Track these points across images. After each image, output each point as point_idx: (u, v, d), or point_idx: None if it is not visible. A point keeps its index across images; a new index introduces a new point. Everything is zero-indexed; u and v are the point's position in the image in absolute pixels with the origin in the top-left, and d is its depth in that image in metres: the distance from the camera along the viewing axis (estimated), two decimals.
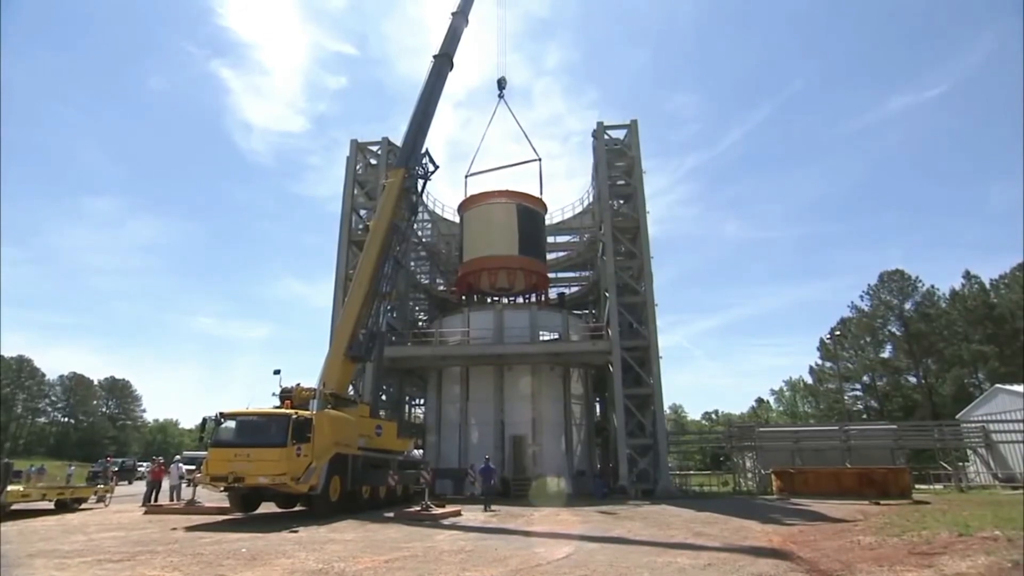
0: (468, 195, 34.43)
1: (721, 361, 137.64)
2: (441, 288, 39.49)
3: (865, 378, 57.50)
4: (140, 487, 22.41)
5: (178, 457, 23.32)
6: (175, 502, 18.20)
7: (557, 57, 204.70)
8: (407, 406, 36.41)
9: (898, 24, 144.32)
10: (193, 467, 19.29)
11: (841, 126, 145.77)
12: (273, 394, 16.67)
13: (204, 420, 15.08)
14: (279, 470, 13.65)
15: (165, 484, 20.18)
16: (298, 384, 16.91)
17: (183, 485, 19.67)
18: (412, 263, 36.23)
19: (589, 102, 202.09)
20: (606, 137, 31.03)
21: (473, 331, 28.90)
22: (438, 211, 39.15)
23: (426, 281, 38.41)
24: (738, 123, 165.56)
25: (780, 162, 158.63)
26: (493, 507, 18.04)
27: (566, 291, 38.29)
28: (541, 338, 28.97)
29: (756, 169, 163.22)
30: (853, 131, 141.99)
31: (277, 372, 16.73)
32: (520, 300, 33.66)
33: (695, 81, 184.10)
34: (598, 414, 35.05)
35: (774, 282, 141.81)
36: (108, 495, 19.97)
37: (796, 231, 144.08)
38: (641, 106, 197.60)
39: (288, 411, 14.81)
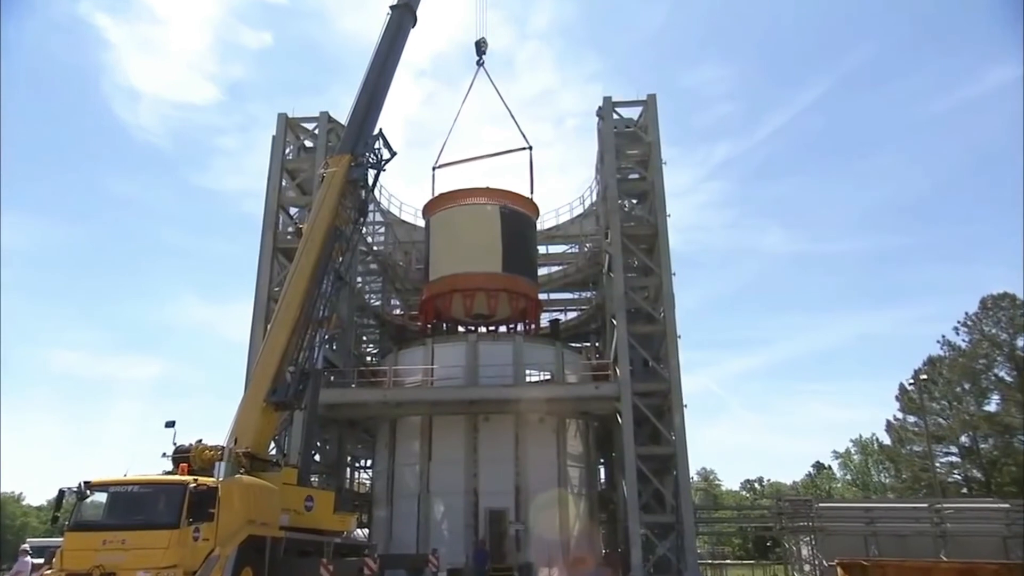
0: (436, 193, 34.50)
1: (765, 413, 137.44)
2: (398, 313, 39.51)
3: (964, 439, 56.60)
4: None
5: (26, 546, 22.27)
6: None
7: (549, 16, 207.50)
8: (349, 469, 36.01)
9: None
10: (42, 560, 18.45)
11: (921, 107, 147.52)
12: (164, 455, 16.36)
13: (61, 493, 14.52)
14: (168, 561, 13.15)
15: None
16: (199, 441, 16.59)
17: None
18: (359, 279, 36.20)
19: (590, 74, 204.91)
20: (615, 117, 31.43)
21: (439, 369, 28.80)
22: (394, 212, 39.30)
23: (377, 303, 38.47)
24: (784, 103, 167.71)
25: (840, 154, 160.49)
26: None
27: (561, 317, 38.43)
28: (528, 379, 28.90)
29: (808, 163, 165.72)
30: (937, 113, 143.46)
31: (170, 425, 16.39)
32: (503, 329, 33.62)
33: (727, 49, 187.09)
34: (602, 480, 34.92)
35: (834, 309, 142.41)
36: None
37: (862, 242, 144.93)
38: (657, 80, 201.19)
39: (183, 478, 14.42)
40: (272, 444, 21.51)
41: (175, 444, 16.40)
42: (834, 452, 77.59)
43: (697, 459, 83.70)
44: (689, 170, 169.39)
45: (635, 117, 31.78)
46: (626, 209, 31.20)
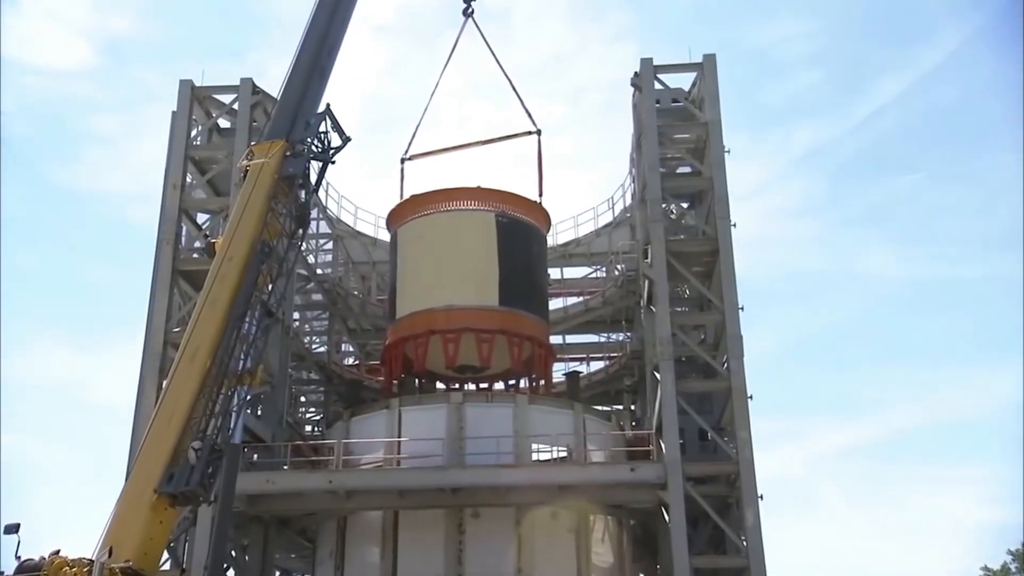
0: (406, 195, 34.65)
1: (876, 508, 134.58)
2: (351, 364, 40.05)
3: None
4: None
5: None
6: None
7: None
8: None
9: None
10: None
11: None
12: (2, 574, 16.05)
13: None
14: None
15: None
16: (55, 552, 16.16)
17: None
18: (296, 316, 35.85)
19: (616, 32, 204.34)
20: (657, 87, 31.32)
21: (409, 444, 28.76)
22: (347, 220, 39.60)
23: (322, 350, 38.59)
24: (892, 70, 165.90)
25: (975, 139, 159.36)
26: None
27: (582, 369, 38.48)
28: (536, 456, 28.94)
29: (928, 153, 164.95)
30: None
31: (12, 529, 15.97)
32: (500, 386, 33.74)
33: None
34: None
35: (973, 360, 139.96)
36: None
37: (1009, 264, 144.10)
38: (710, 40, 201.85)
39: None
40: (165, 554, 21.43)
41: (18, 557, 15.92)
42: (985, 569, 76.22)
43: (779, 572, 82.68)
44: (759, 162, 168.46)
45: (685, 88, 32.01)
46: (673, 216, 31.16)
